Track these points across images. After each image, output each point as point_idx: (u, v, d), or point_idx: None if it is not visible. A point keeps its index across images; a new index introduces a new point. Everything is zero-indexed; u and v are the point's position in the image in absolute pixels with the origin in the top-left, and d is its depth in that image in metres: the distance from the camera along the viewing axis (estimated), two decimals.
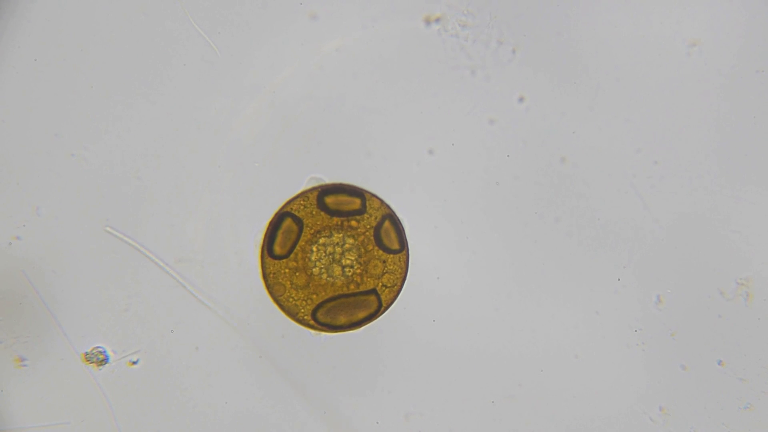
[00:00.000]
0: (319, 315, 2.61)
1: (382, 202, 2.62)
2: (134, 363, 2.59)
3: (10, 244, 2.55)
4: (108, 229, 2.49)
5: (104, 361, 2.58)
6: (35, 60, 2.55)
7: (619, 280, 2.63)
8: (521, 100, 2.61)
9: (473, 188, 2.63)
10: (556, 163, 2.62)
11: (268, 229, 2.60)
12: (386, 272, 2.62)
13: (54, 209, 2.57)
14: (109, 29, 2.57)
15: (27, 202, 2.56)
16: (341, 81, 2.60)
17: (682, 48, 2.59)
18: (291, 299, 2.61)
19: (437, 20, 2.58)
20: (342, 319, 2.62)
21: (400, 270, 2.64)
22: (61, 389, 2.59)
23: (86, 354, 2.57)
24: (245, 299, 2.63)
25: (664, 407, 2.63)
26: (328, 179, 2.62)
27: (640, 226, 2.63)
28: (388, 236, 2.62)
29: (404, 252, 2.64)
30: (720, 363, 2.62)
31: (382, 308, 2.63)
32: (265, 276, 2.61)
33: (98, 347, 2.58)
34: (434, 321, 2.65)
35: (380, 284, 2.62)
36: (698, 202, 2.62)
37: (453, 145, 2.62)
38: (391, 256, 2.62)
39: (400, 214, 2.65)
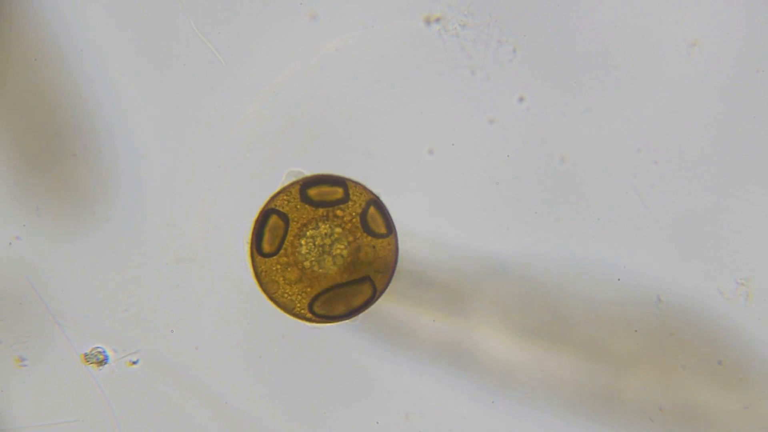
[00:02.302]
0: (316, 307, 2.61)
1: (364, 188, 2.62)
2: (134, 363, 2.59)
3: (10, 244, 2.55)
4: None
5: (104, 361, 2.58)
6: (35, 60, 2.55)
7: (619, 280, 2.63)
8: (521, 100, 2.61)
9: (473, 188, 2.63)
10: (556, 163, 2.62)
11: (254, 227, 2.60)
12: (377, 258, 2.62)
13: (54, 209, 2.57)
14: (109, 29, 2.57)
15: (27, 202, 2.56)
16: (341, 81, 2.60)
17: (682, 48, 2.59)
18: (286, 295, 2.60)
19: (437, 20, 2.58)
20: (340, 309, 2.62)
21: (391, 254, 2.63)
22: (61, 389, 2.59)
23: (86, 355, 2.57)
24: (245, 299, 2.63)
25: (664, 407, 2.63)
26: (307, 171, 2.61)
27: (640, 226, 2.63)
28: (374, 221, 2.62)
29: (392, 235, 2.64)
30: (720, 363, 2.62)
31: (377, 293, 2.63)
32: (257, 275, 2.60)
33: (97, 347, 2.58)
34: (434, 321, 2.65)
35: (373, 270, 2.62)
36: (698, 202, 2.62)
37: (453, 145, 2.62)
38: (380, 240, 2.62)
39: (401, 213, 2.65)
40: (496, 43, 2.58)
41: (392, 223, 2.63)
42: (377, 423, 2.64)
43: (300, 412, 2.64)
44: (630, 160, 2.62)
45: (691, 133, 2.62)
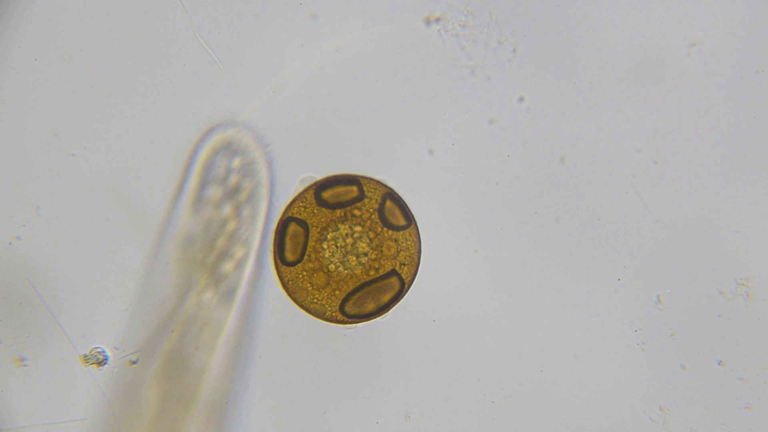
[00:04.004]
0: (347, 308, 2.61)
1: (378, 183, 2.62)
2: (134, 363, 2.59)
3: (10, 244, 2.55)
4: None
5: (104, 361, 2.58)
6: (35, 60, 2.55)
7: (619, 280, 2.63)
8: (521, 100, 2.61)
9: (473, 188, 2.63)
10: (556, 163, 2.62)
11: (275, 238, 2.60)
12: (401, 250, 2.62)
13: (54, 209, 2.57)
14: (109, 29, 2.57)
15: (27, 202, 2.56)
16: (341, 81, 2.60)
17: (682, 48, 2.59)
18: (316, 301, 2.60)
19: (437, 20, 2.58)
20: (370, 306, 2.62)
21: (414, 244, 2.63)
22: (61, 389, 2.59)
23: (85, 355, 2.57)
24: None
25: (664, 407, 2.63)
26: (319, 175, 2.61)
27: (640, 226, 2.63)
28: (393, 214, 2.62)
29: (413, 226, 2.64)
30: (720, 363, 2.62)
31: (406, 286, 2.63)
32: (284, 285, 2.60)
33: (96, 348, 2.58)
34: (434, 321, 2.65)
35: (398, 263, 2.62)
36: (698, 202, 2.62)
37: (453, 145, 2.62)
38: (401, 233, 2.62)
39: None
40: (496, 43, 2.58)
41: (411, 213, 2.63)
42: (377, 423, 2.64)
43: (300, 411, 2.64)
44: (630, 160, 2.62)
45: (691, 133, 2.62)
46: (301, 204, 2.60)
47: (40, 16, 2.55)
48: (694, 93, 2.61)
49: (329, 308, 2.61)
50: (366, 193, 2.60)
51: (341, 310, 2.61)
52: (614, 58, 2.60)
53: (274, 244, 2.60)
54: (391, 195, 2.61)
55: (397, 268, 2.61)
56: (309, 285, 2.59)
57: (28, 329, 2.56)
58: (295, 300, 2.61)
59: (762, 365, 2.62)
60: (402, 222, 2.62)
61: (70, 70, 2.56)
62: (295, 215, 2.60)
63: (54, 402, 2.58)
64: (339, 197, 2.60)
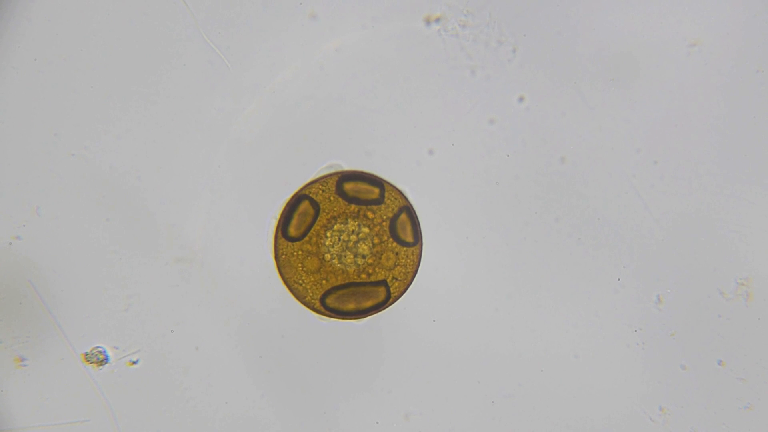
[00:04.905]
0: (328, 301, 2.62)
1: (400, 193, 2.62)
2: (134, 363, 2.59)
3: (10, 244, 2.55)
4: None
5: (104, 361, 2.58)
6: (35, 60, 2.55)
7: (619, 280, 2.63)
8: (521, 100, 2.61)
9: (473, 188, 2.63)
10: (556, 163, 2.62)
11: (284, 209, 2.60)
12: (398, 265, 2.62)
13: (54, 209, 2.57)
14: (109, 29, 2.57)
15: (27, 202, 2.56)
16: (341, 81, 2.60)
17: (682, 48, 2.59)
18: (301, 282, 2.61)
19: (437, 20, 2.58)
20: (350, 306, 2.63)
21: (412, 264, 2.64)
22: (61, 389, 2.59)
23: (86, 354, 2.57)
24: (247, 294, 2.63)
25: (664, 407, 2.63)
26: (347, 167, 2.62)
27: (640, 226, 2.63)
28: (403, 229, 2.62)
29: (418, 246, 2.64)
30: (720, 363, 2.62)
31: (390, 300, 2.63)
32: (276, 257, 2.60)
33: (98, 347, 2.58)
34: (434, 321, 2.65)
35: (391, 276, 2.62)
36: (698, 202, 2.62)
37: (453, 145, 2.62)
38: (404, 249, 2.62)
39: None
40: (496, 43, 2.58)
41: (420, 234, 2.63)
42: (377, 423, 2.64)
43: (299, 412, 2.64)
44: (630, 160, 2.62)
45: (691, 133, 2.62)
46: (320, 186, 2.60)
47: (40, 16, 2.55)
48: (695, 93, 2.61)
49: (311, 294, 2.61)
50: (385, 199, 2.60)
51: (322, 300, 2.61)
52: (614, 58, 2.60)
53: (282, 215, 2.59)
54: (408, 209, 2.62)
55: (388, 280, 2.61)
56: (300, 265, 2.59)
57: (28, 329, 2.56)
58: (281, 274, 2.61)
59: (762, 365, 2.62)
60: (409, 239, 2.63)
61: (70, 70, 2.56)
62: (311, 195, 2.60)
63: (54, 402, 2.58)
64: (359, 193, 2.60)
